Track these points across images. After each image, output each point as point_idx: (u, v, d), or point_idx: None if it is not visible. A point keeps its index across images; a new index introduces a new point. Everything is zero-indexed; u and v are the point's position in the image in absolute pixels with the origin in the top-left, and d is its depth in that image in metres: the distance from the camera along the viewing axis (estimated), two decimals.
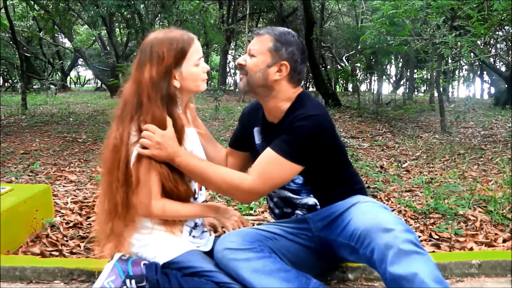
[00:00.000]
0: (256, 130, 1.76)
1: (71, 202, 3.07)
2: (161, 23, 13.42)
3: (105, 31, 13.79)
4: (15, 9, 15.91)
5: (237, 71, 1.83)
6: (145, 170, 1.48)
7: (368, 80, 23.98)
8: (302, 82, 1.75)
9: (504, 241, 2.34)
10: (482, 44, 10.49)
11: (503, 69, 14.59)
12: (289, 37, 1.61)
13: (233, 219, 1.67)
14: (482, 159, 5.10)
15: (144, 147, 1.48)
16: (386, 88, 22.37)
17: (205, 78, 1.61)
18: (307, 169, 1.57)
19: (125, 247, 1.53)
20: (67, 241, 2.34)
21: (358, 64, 13.70)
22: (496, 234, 2.45)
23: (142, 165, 1.49)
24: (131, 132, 1.49)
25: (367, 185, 3.63)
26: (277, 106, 1.64)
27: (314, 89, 12.83)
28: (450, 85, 21.10)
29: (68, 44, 21.10)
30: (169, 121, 1.51)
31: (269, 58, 1.59)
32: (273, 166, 1.53)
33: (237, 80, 1.78)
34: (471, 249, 2.23)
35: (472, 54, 8.22)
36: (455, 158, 5.15)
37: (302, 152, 1.53)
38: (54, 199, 2.94)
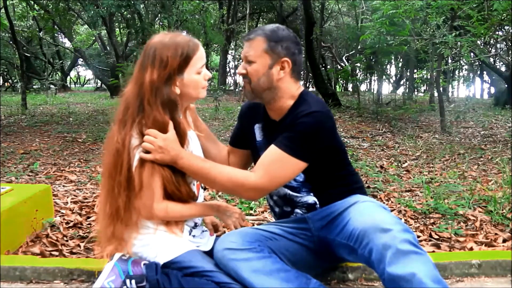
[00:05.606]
0: (257, 127, 1.76)
1: (71, 202, 3.07)
2: (161, 23, 13.43)
3: (105, 31, 13.79)
4: (15, 9, 15.91)
5: (237, 71, 1.78)
6: (148, 174, 1.48)
7: (368, 80, 24.02)
8: (302, 82, 1.75)
9: (504, 241, 2.34)
10: (482, 44, 10.50)
11: (503, 69, 14.57)
12: (280, 32, 1.61)
13: (235, 216, 1.67)
14: (482, 159, 5.09)
15: (146, 152, 1.48)
16: (386, 88, 22.40)
17: (206, 85, 1.59)
18: (308, 166, 1.57)
19: (126, 249, 1.53)
20: (67, 241, 2.34)
21: (358, 64, 13.72)
22: (496, 234, 2.45)
23: (145, 169, 1.48)
24: (133, 135, 1.49)
25: (367, 185, 3.63)
26: (282, 105, 1.64)
27: (314, 89, 12.82)
28: (450, 85, 21.11)
29: (68, 44, 21.12)
30: (170, 124, 1.51)
31: (268, 60, 1.59)
32: (278, 163, 1.53)
33: (241, 84, 1.76)
34: (471, 249, 2.23)
35: (472, 54, 8.22)
36: (455, 158, 5.15)
37: (306, 148, 1.53)
38: (54, 199, 2.94)
